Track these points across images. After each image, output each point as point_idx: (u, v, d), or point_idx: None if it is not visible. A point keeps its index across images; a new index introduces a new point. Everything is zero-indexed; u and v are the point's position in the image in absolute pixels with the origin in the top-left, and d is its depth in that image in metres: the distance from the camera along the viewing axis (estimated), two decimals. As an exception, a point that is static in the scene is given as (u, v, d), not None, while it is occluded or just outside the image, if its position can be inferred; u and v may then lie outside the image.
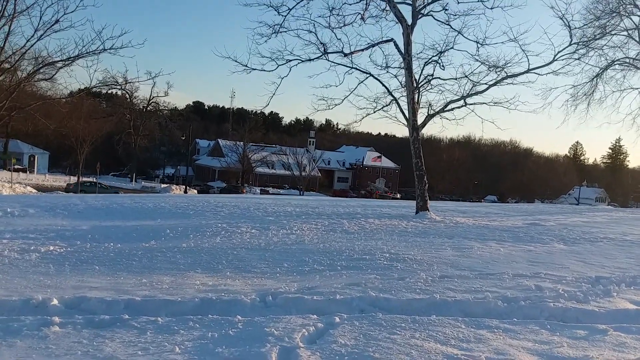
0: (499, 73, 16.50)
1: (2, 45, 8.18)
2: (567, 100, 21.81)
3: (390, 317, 4.88)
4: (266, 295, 5.55)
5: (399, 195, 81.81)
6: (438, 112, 16.96)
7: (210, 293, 5.79)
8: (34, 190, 37.28)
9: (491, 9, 16.02)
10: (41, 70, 8.57)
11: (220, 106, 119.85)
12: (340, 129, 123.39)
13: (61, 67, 8.40)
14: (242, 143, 76.75)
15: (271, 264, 7.72)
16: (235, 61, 16.23)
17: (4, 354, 3.82)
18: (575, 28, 15.58)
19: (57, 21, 8.07)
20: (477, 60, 16.68)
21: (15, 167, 48.03)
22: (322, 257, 8.26)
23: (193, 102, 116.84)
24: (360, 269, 7.40)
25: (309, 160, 79.27)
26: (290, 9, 15.92)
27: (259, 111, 68.49)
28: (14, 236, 9.77)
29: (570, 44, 16.09)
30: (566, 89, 20.38)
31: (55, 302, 5.16)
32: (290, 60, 16.36)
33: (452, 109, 16.95)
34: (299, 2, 15.91)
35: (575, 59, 17.08)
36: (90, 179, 49.64)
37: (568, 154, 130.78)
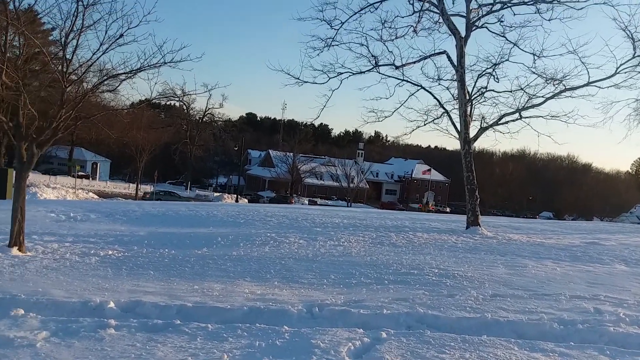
0: (556, 86, 15.94)
1: (70, 58, 8.68)
2: (630, 115, 20.64)
3: (438, 335, 4.77)
4: (313, 307, 5.57)
5: (448, 209, 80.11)
6: (491, 125, 16.56)
7: (259, 302, 5.87)
8: (95, 196, 39.23)
9: (549, 20, 15.54)
10: (105, 82, 9.03)
11: (272, 117, 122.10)
12: (389, 141, 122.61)
13: (124, 80, 8.83)
14: (292, 154, 77.67)
15: (318, 275, 7.75)
16: (288, 74, 16.52)
17: (63, 354, 4.02)
18: (640, 40, 14.77)
19: (121, 35, 8.45)
20: (533, 72, 16.21)
21: (79, 173, 50.71)
22: (369, 270, 8.21)
23: (246, 114, 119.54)
24: (408, 283, 7.30)
25: (357, 172, 79.06)
26: (343, 23, 16.08)
27: (309, 123, 69.18)
28: (76, 240, 10.31)
29: (634, 57, 15.30)
30: (629, 102, 19.26)
31: (111, 305, 5.39)
32: (342, 73, 16.49)
33: (507, 122, 16.52)
34: (351, 16, 16.05)
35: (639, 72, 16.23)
36: (166, 189, 52.02)
37: (630, 170, 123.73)
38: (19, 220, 8.73)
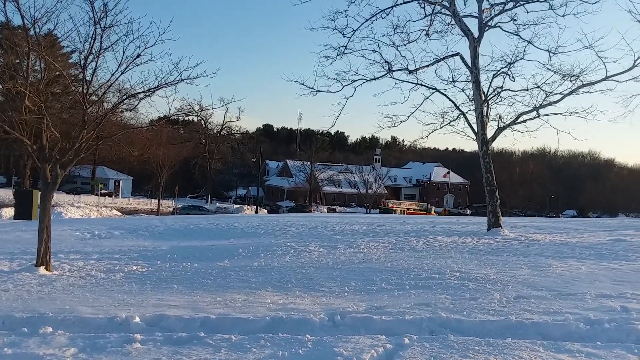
0: (574, 82, 15.72)
1: (90, 80, 8.91)
2: (651, 107, 20.27)
3: (462, 339, 4.75)
4: (335, 315, 5.59)
5: (468, 212, 79.26)
6: (509, 125, 16.39)
7: (281, 312, 5.91)
8: (118, 214, 39.89)
9: (563, 16, 15.37)
10: (125, 102, 9.27)
11: (288, 128, 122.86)
12: (406, 145, 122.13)
13: (143, 98, 9.05)
14: (309, 163, 77.94)
15: (339, 283, 7.76)
16: (302, 84, 16.63)
17: None
18: (657, 30, 14.53)
19: (138, 55, 8.66)
20: (549, 69, 16.01)
21: (102, 191, 51.71)
22: (390, 276, 8.19)
23: (263, 125, 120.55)
24: (430, 288, 7.26)
25: (375, 178, 78.85)
26: (355, 31, 16.14)
27: (325, 131, 69.45)
28: (101, 257, 10.51)
29: (651, 48, 15.04)
30: (649, 95, 18.84)
31: (137, 319, 5.49)
32: (355, 80, 16.53)
33: (524, 121, 16.32)
34: (363, 23, 16.09)
35: (659, 63, 15.90)
36: (190, 203, 52.79)
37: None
38: (45, 240, 8.95)
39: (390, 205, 68.74)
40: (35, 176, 56.62)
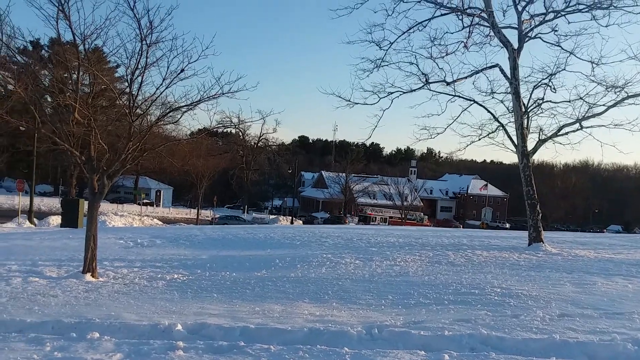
0: (618, 93, 15.25)
1: (136, 94, 9.28)
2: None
3: (504, 357, 4.66)
4: (372, 328, 5.58)
5: (507, 225, 77.22)
6: (550, 137, 16.01)
7: (318, 323, 5.95)
8: (160, 223, 40.90)
9: (606, 26, 15.02)
10: (168, 115, 9.59)
11: (324, 139, 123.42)
12: (442, 157, 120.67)
13: (185, 111, 9.34)
14: (344, 174, 77.98)
15: (376, 296, 7.73)
16: (339, 97, 16.75)
17: None
18: None
19: (182, 70, 8.96)
20: (592, 81, 15.59)
21: (144, 201, 53.24)
22: (428, 290, 8.10)
23: (298, 137, 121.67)
24: (469, 304, 7.14)
25: (410, 190, 78.07)
26: (392, 43, 16.19)
27: (360, 143, 69.39)
28: (144, 265, 10.82)
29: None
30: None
31: (179, 327, 5.64)
32: (392, 93, 16.53)
33: (566, 133, 15.91)
34: (400, 36, 16.13)
35: None
36: (229, 214, 53.83)
37: None
38: (92, 247, 9.29)
39: (368, 212, 63.04)
40: (81, 185, 58.89)
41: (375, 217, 60.65)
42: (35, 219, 32.61)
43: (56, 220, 31.75)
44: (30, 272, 9.43)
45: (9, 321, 5.87)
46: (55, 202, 44.58)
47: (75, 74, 9.36)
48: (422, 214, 68.46)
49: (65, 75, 10.72)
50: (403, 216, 64.67)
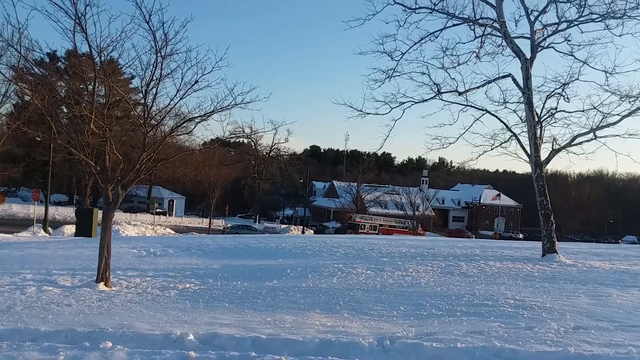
0: (632, 103, 15.12)
1: (151, 105, 9.41)
2: None
3: (517, 370, 4.60)
4: (384, 340, 5.54)
5: (521, 236, 76.35)
6: (564, 147, 15.88)
7: (329, 334, 5.93)
8: (172, 232, 41.17)
9: (620, 36, 14.90)
10: (182, 125, 9.72)
11: (335, 149, 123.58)
12: (454, 167, 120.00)
13: (199, 122, 9.45)
14: (355, 184, 77.91)
15: (387, 307, 7.69)
16: (351, 107, 16.79)
17: None
18: None
19: (196, 82, 9.08)
20: (606, 90, 15.48)
21: (157, 210, 53.65)
22: (440, 301, 8.04)
23: (310, 147, 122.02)
24: (482, 315, 7.07)
25: (422, 200, 77.62)
26: (404, 54, 16.23)
27: (371, 152, 69.25)
28: (156, 274, 10.89)
29: None
30: None
31: (191, 337, 5.65)
32: (404, 103, 16.54)
33: (580, 143, 15.77)
34: (411, 46, 16.16)
35: None
36: (240, 223, 54.06)
37: None
38: (106, 257, 9.38)
39: (357, 220, 57.60)
40: (95, 195, 59.55)
41: (364, 225, 57.00)
42: (49, 228, 33.04)
43: (70, 229, 32.13)
44: (45, 281, 9.54)
45: (24, 330, 5.94)
46: (69, 212, 45.10)
47: (91, 85, 9.50)
48: (414, 221, 63.95)
49: (81, 86, 10.91)
50: (408, 225, 61.30)
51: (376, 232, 56.11)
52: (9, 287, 8.80)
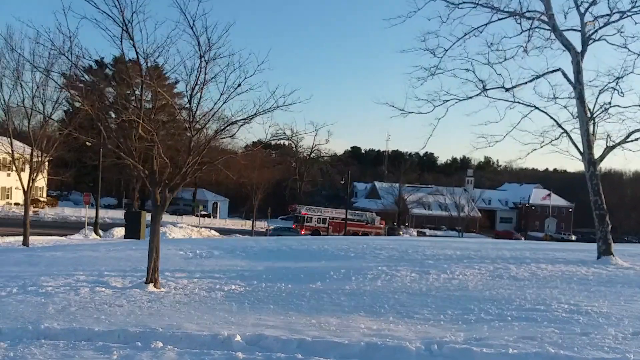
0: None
1: (195, 109, 9.62)
2: None
3: (574, 378, 4.39)
4: (431, 344, 5.42)
5: (573, 237, 73.38)
6: (619, 144, 15.15)
7: (375, 337, 5.85)
8: (216, 234, 42.02)
9: (678, 25, 14.07)
10: (226, 128, 9.89)
11: (376, 150, 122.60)
12: (501, 165, 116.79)
13: (242, 125, 9.59)
14: (397, 185, 77.20)
15: (434, 311, 7.53)
16: (393, 106, 16.59)
17: None
18: None
19: (239, 85, 9.23)
20: (664, 83, 14.66)
21: (202, 213, 54.91)
22: (489, 305, 7.81)
23: (351, 147, 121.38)
24: (534, 320, 6.81)
25: (467, 200, 76.05)
26: (447, 50, 15.91)
27: (413, 152, 68.36)
28: (203, 276, 11.10)
29: None
30: None
31: (238, 338, 5.71)
32: (447, 101, 16.20)
33: (637, 139, 15.01)
34: (455, 43, 15.82)
35: None
36: (286, 225, 54.78)
37: None
38: (154, 259, 9.62)
39: (303, 212, 51.88)
40: (143, 198, 61.55)
41: (311, 218, 51.47)
42: (100, 231, 34.37)
43: (120, 231, 33.30)
44: (97, 282, 9.88)
45: (79, 329, 6.16)
46: (119, 215, 46.72)
47: (138, 90, 9.78)
48: (373, 214, 58.48)
49: (128, 92, 11.25)
50: (366, 219, 55.18)
51: (326, 225, 51.56)
52: (64, 288, 9.16)
